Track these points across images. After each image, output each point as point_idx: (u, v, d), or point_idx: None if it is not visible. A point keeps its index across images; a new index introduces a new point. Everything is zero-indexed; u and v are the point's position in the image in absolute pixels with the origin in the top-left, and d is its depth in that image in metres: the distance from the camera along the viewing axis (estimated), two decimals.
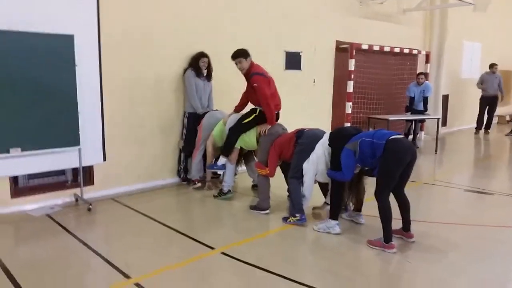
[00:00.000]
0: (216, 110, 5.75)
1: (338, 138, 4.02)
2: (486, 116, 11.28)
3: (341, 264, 3.46)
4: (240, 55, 4.76)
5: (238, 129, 4.97)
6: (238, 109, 5.26)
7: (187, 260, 3.44)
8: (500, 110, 12.15)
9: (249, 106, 5.11)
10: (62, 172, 5.05)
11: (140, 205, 4.82)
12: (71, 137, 4.51)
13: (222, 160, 5.11)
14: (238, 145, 5.03)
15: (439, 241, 3.93)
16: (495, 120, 11.94)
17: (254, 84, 4.65)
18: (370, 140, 3.68)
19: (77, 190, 4.90)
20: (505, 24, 13.41)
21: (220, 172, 5.25)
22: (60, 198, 4.86)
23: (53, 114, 4.34)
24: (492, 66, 11.08)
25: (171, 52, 5.60)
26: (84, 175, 4.87)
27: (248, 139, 4.98)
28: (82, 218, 4.48)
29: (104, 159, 4.94)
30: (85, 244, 3.74)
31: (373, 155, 3.67)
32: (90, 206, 4.62)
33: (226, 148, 5.04)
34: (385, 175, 3.66)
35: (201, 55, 5.61)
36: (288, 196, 4.66)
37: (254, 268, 3.30)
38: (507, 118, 13.51)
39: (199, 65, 5.59)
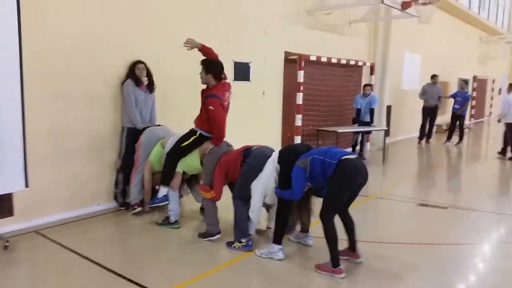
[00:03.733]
0: (158, 125, 5.24)
1: (288, 155, 3.78)
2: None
3: None
4: (203, 64, 4.34)
5: (176, 153, 4.47)
6: None
7: None
8: (437, 120, 12.61)
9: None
10: None
11: (69, 239, 4.18)
12: None
13: (163, 190, 4.54)
14: (180, 169, 4.54)
15: (392, 263, 3.77)
16: (434, 129, 12.38)
17: (210, 107, 4.20)
18: (321, 158, 3.46)
19: None
20: (442, 37, 14.03)
21: (162, 204, 4.63)
22: None
23: None
24: (433, 77, 11.48)
25: (108, 60, 5.01)
26: (0, 205, 4.14)
27: (191, 162, 4.50)
28: None
29: (27, 185, 4.24)
30: None
31: (324, 174, 3.45)
32: (7, 244, 3.90)
33: (165, 176, 4.52)
34: (333, 196, 3.47)
35: (136, 62, 5.11)
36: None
37: None
38: (444, 127, 14.08)
39: (136, 73, 5.06)
